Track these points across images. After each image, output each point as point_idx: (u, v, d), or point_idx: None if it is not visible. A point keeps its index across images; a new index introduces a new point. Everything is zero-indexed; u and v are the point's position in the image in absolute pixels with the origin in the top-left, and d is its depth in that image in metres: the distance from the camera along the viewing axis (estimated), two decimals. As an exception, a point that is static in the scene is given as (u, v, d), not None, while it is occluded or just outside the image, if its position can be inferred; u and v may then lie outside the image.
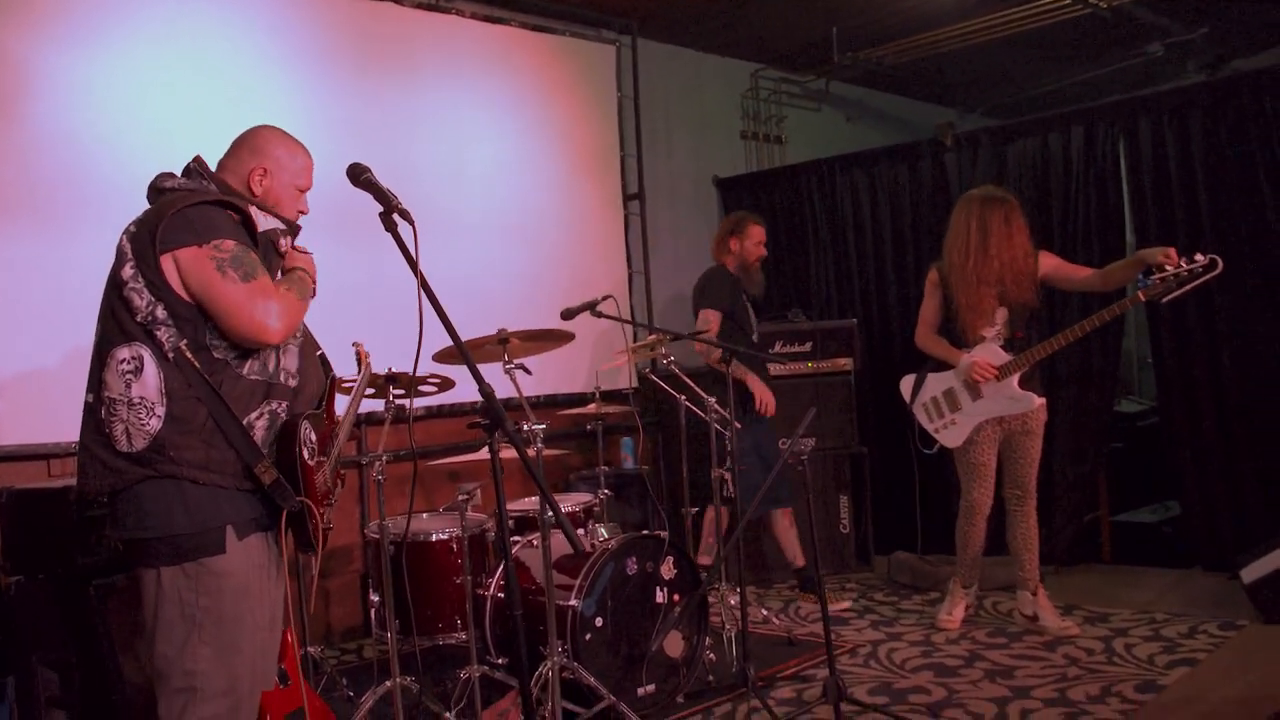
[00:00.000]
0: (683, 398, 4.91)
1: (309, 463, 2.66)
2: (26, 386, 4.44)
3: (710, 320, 5.55)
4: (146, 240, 2.55)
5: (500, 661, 4.18)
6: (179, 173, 2.75)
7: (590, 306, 4.59)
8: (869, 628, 5.15)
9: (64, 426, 4.46)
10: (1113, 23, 7.16)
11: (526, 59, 6.46)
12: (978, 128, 6.61)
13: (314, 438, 2.71)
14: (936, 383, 5.00)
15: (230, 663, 2.57)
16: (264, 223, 2.76)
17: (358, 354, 3.73)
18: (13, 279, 4.41)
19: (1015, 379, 4.79)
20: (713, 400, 4.78)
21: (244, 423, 2.56)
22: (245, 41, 5.19)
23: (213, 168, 2.79)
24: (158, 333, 2.52)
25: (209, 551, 2.54)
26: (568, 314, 4.63)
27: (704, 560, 5.40)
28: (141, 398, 2.52)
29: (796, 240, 7.35)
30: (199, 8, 5.03)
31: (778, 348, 6.32)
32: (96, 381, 2.59)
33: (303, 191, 2.88)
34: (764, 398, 5.45)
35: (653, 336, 5.02)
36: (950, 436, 4.96)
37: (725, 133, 7.98)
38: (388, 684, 3.80)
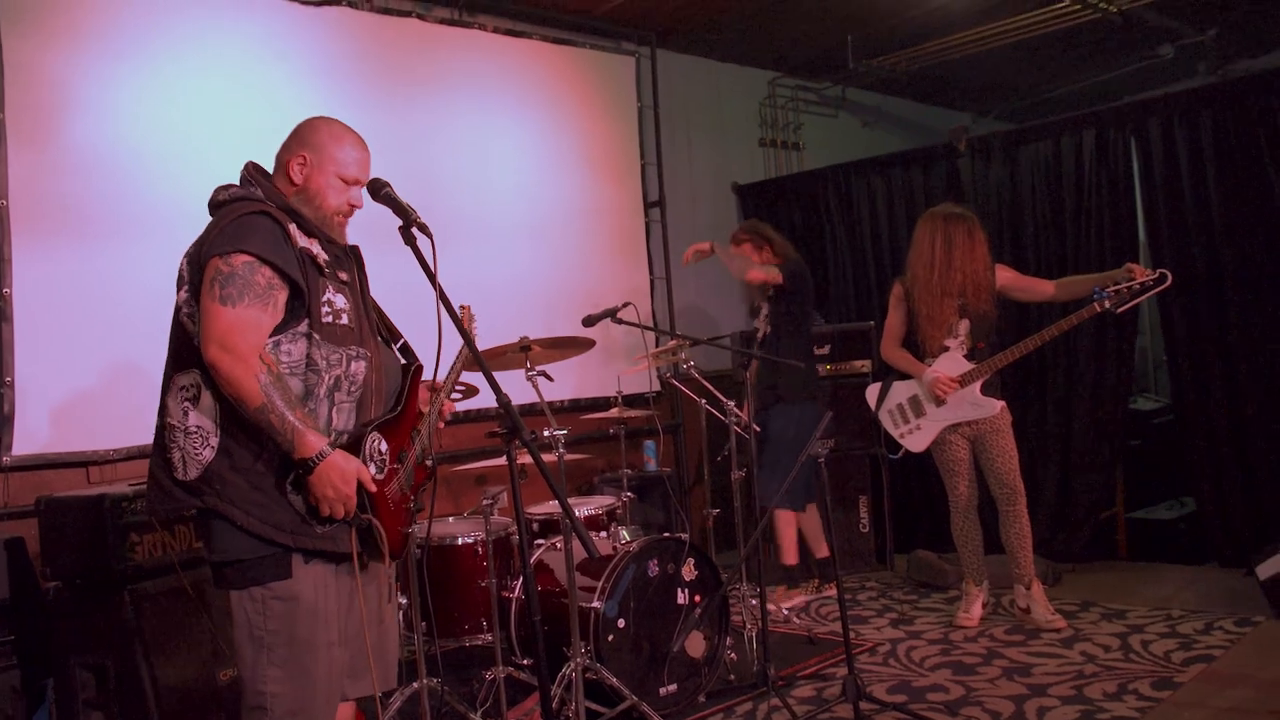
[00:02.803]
0: (703, 401, 4.99)
1: (375, 477, 2.64)
2: (66, 396, 4.57)
3: None
4: (195, 262, 2.55)
5: (525, 663, 4.26)
6: (238, 181, 2.72)
7: (611, 314, 4.70)
8: (889, 626, 5.21)
9: (102, 435, 4.62)
10: (1123, 26, 7.20)
11: (548, 71, 6.57)
12: (990, 132, 6.66)
13: (384, 448, 2.68)
14: (901, 390, 5.17)
15: (299, 684, 2.57)
16: (300, 241, 2.62)
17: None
18: (52, 292, 4.54)
19: (977, 386, 4.93)
20: (731, 404, 4.85)
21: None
22: (274, 57, 5.32)
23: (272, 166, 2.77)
24: None
25: (276, 576, 2.54)
26: (589, 321, 4.75)
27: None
28: (199, 426, 2.53)
29: (815, 244, 7.42)
30: (229, 25, 5.16)
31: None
32: (162, 405, 2.61)
33: (348, 184, 2.74)
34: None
35: (673, 342, 5.11)
36: (915, 442, 5.12)
37: (744, 140, 8.07)
38: (415, 685, 3.89)
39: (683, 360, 4.88)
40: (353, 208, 2.77)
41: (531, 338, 4.27)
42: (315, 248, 2.64)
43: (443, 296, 2.45)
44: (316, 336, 2.57)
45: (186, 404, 2.55)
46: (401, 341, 2.92)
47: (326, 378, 2.59)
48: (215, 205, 2.67)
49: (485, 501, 4.14)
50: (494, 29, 6.28)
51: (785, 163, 8.23)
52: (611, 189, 6.88)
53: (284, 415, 2.45)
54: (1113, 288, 4.60)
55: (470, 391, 4.32)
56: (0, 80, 4.47)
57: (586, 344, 4.50)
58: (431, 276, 2.48)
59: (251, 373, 2.44)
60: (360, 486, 2.57)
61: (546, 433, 4.07)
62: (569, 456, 4.26)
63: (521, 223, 6.29)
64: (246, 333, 2.46)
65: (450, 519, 4.87)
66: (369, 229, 3.21)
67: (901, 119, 9.27)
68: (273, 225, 2.56)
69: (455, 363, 3.29)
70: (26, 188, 4.53)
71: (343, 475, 2.53)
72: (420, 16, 5.93)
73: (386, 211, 2.72)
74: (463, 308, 3.53)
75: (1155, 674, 4.20)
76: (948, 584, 5.80)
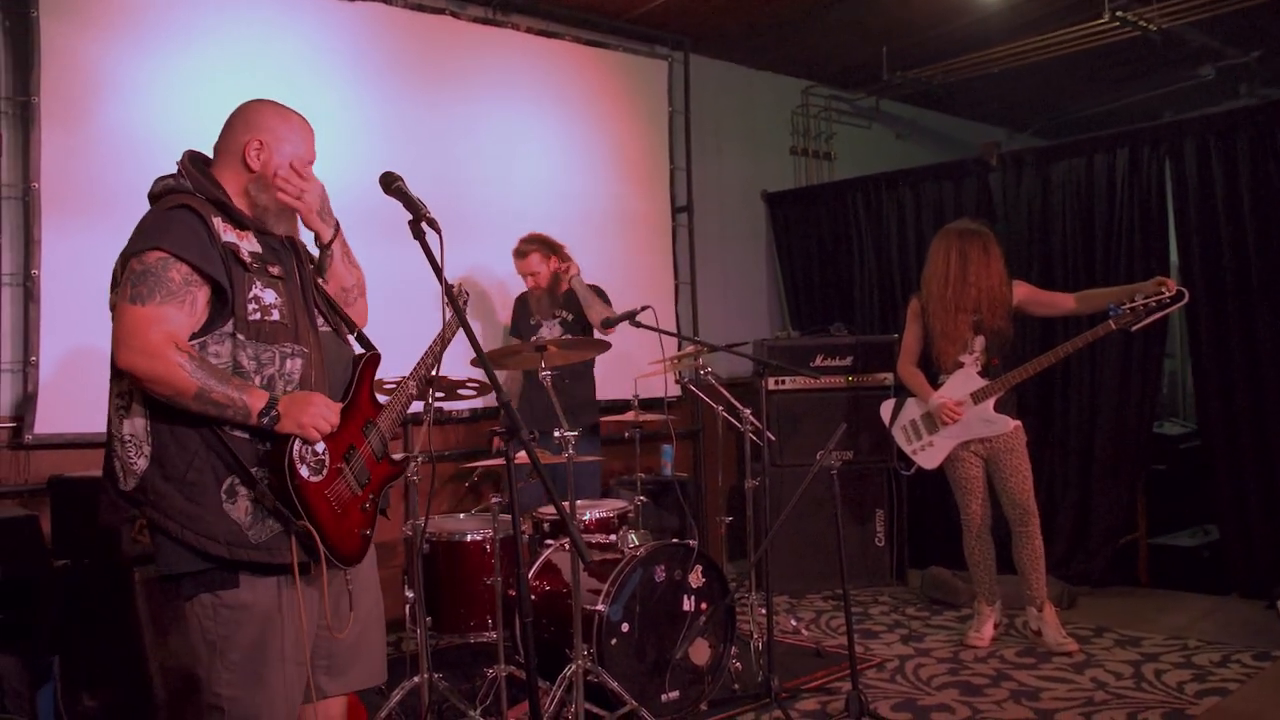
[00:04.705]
0: (719, 408, 4.97)
1: (310, 480, 2.47)
2: (89, 377, 4.56)
3: None
4: (119, 263, 2.46)
5: (527, 662, 4.25)
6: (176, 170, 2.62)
7: (630, 316, 4.68)
8: (899, 642, 5.16)
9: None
10: (1163, 45, 7.10)
11: (580, 73, 6.58)
12: (1023, 148, 6.61)
13: (320, 448, 2.50)
14: (915, 406, 5.14)
15: (254, 690, 2.48)
16: (225, 236, 2.49)
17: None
18: (80, 274, 4.55)
19: (991, 402, 4.89)
20: (748, 411, 4.83)
21: (252, 472, 2.42)
22: (305, 48, 5.36)
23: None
24: None
25: (222, 585, 2.44)
26: (607, 323, 4.75)
27: None
28: (132, 434, 2.41)
29: (842, 255, 7.39)
30: (262, 16, 5.20)
31: (819, 360, 6.36)
32: (108, 413, 2.49)
33: (306, 163, 2.67)
34: None
35: (691, 348, 5.09)
36: (927, 458, 5.08)
37: (775, 148, 8.04)
38: (415, 679, 3.90)
39: (701, 366, 4.86)
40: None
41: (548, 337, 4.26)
42: (243, 242, 2.53)
43: (448, 292, 2.42)
44: (241, 337, 2.43)
45: (121, 411, 2.43)
46: (358, 331, 2.79)
47: (257, 379, 2.45)
48: (151, 198, 2.59)
49: (495, 499, 4.15)
50: (527, 29, 6.29)
51: (816, 172, 8.19)
52: (640, 193, 6.87)
53: (225, 390, 2.34)
54: (1128, 305, 4.55)
55: (484, 389, 4.33)
56: (36, 64, 4.53)
57: (602, 346, 4.49)
58: (439, 272, 2.44)
59: (174, 364, 2.31)
60: (290, 493, 2.42)
61: (557, 434, 4.07)
62: (582, 458, 4.25)
63: (547, 222, 6.24)
64: (156, 326, 2.33)
65: (461, 515, 4.88)
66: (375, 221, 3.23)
67: (935, 132, 9.21)
68: (193, 219, 2.45)
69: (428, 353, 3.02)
70: (58, 171, 4.58)
71: (307, 401, 2.43)
72: (454, 14, 5.95)
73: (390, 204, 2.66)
74: (458, 283, 3.29)
75: (1167, 704, 4.13)
76: (961, 602, 5.74)
